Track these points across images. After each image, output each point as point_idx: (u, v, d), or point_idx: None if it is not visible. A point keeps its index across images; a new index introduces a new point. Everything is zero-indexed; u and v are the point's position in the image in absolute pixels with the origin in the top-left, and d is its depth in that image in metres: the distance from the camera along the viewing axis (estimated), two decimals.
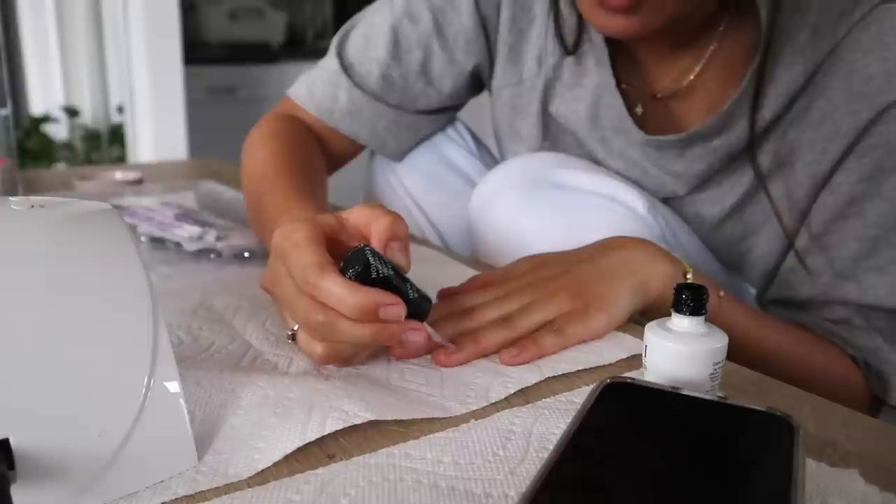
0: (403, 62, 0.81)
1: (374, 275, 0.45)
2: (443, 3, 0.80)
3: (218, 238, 0.75)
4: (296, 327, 0.49)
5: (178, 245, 0.75)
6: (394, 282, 0.46)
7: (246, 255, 0.74)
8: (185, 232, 0.75)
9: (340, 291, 0.44)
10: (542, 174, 0.72)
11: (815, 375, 0.62)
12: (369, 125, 0.84)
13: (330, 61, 0.83)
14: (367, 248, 0.46)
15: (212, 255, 0.74)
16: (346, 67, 0.82)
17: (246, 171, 0.76)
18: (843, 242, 0.64)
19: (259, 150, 0.76)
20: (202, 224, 0.78)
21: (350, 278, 0.45)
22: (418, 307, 0.48)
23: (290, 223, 0.48)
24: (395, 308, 0.44)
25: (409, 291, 0.47)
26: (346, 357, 0.48)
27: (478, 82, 0.86)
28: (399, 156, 0.89)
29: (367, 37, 0.82)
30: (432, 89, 0.83)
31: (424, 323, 0.49)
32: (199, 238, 0.75)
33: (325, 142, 0.84)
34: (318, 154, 0.81)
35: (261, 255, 0.75)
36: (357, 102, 0.82)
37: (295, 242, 0.46)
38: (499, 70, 0.82)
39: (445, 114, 0.89)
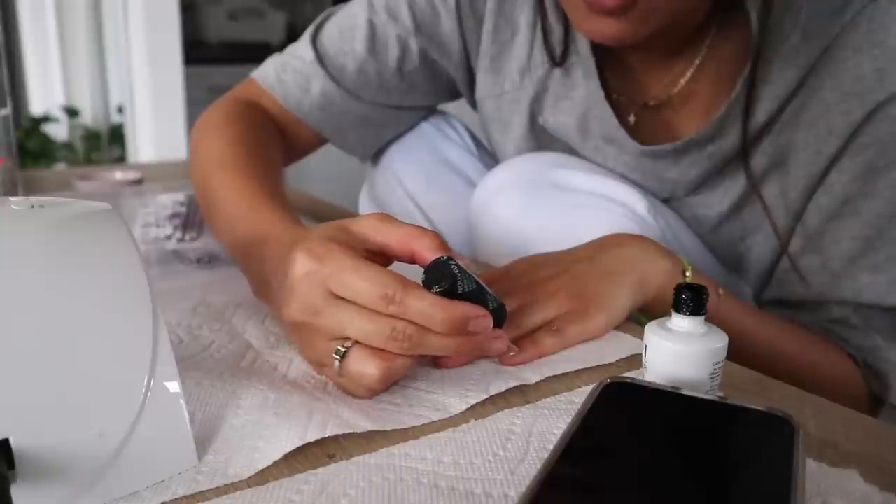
0: (380, 58, 0.81)
1: (460, 290, 0.45)
2: (424, 3, 0.80)
3: (181, 240, 0.72)
4: (342, 348, 0.44)
5: None
6: (478, 294, 0.46)
7: (207, 260, 0.71)
8: (151, 233, 0.73)
9: (431, 308, 0.43)
10: (542, 174, 0.72)
11: (815, 374, 0.62)
12: (336, 119, 0.83)
13: (304, 50, 0.81)
14: (451, 262, 0.45)
15: (193, 258, 0.73)
16: (321, 58, 0.81)
17: (199, 156, 0.71)
18: (839, 242, 0.64)
19: (214, 135, 0.72)
20: (194, 227, 0.76)
21: (436, 293, 0.44)
22: (499, 315, 0.48)
23: (309, 243, 0.45)
24: (484, 320, 0.45)
25: (490, 301, 0.47)
26: (398, 377, 0.46)
27: (453, 88, 0.86)
28: (357, 152, 0.89)
29: (343, 29, 0.81)
30: (406, 86, 0.83)
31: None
32: (166, 238, 0.72)
33: (287, 133, 0.82)
34: (277, 146, 0.78)
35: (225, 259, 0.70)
36: (330, 95, 0.81)
37: (344, 267, 0.43)
38: (481, 81, 0.82)
39: (417, 112, 0.88)
